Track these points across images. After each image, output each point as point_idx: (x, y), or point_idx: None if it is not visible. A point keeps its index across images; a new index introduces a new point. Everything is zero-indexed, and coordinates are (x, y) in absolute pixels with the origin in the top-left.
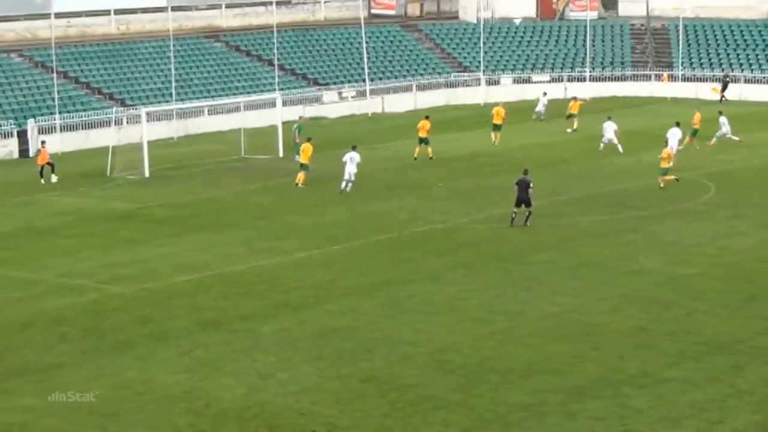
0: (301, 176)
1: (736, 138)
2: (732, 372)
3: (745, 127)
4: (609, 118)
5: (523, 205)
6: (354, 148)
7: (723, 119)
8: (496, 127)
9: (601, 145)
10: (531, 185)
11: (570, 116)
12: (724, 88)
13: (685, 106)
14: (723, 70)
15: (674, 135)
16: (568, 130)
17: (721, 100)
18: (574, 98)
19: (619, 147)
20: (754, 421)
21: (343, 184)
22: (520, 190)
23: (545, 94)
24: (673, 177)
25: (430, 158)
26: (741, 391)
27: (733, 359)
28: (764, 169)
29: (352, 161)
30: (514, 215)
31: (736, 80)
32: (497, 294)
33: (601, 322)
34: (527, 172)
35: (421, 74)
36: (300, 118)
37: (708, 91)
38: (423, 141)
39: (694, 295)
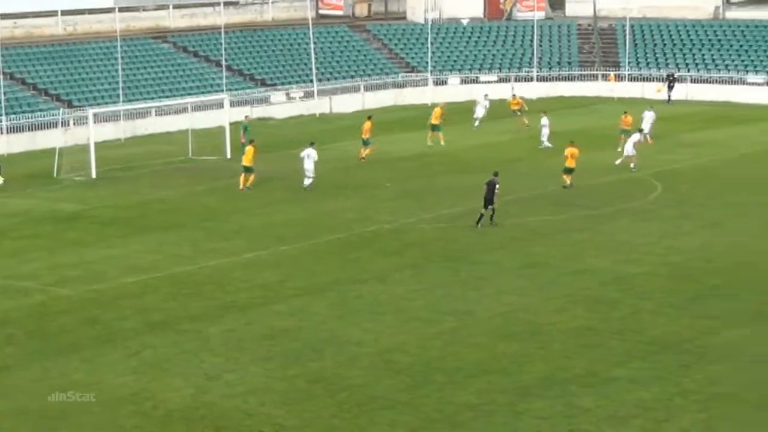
0: (244, 179)
1: (648, 140)
2: (678, 371)
3: (690, 127)
4: (544, 113)
5: (489, 206)
6: (311, 145)
7: (648, 114)
8: (435, 128)
9: (544, 143)
10: (497, 187)
11: (515, 112)
12: (671, 87)
13: (632, 105)
14: (668, 69)
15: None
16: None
17: (668, 100)
18: (514, 96)
19: (548, 143)
20: (699, 420)
21: (306, 180)
22: (487, 191)
23: (486, 96)
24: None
25: (362, 159)
26: (687, 390)
27: (679, 358)
28: (709, 168)
29: (309, 158)
30: (481, 215)
31: (682, 80)
32: (445, 294)
33: (549, 321)
34: (497, 174)
35: (369, 74)
36: (246, 117)
37: (653, 91)
38: (365, 143)
39: (641, 294)
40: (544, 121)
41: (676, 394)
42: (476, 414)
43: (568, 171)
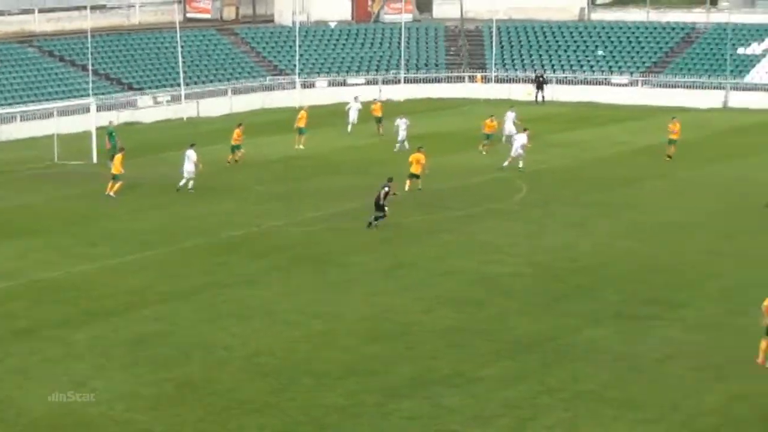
0: (111, 185)
1: (405, 147)
2: (543, 370)
3: (556, 127)
4: (402, 116)
5: (379, 210)
6: (192, 146)
7: (401, 122)
8: (300, 131)
9: (397, 146)
10: (387, 192)
11: (379, 120)
12: (540, 88)
13: (499, 107)
14: (536, 71)
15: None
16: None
17: (536, 101)
18: (375, 101)
19: (404, 144)
20: (564, 418)
21: (182, 181)
22: (378, 195)
23: (357, 98)
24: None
25: (228, 162)
26: (552, 388)
27: (544, 357)
28: (573, 168)
29: (189, 159)
30: (376, 218)
31: (548, 81)
32: (313, 297)
33: (416, 322)
34: (391, 179)
35: (237, 78)
36: (110, 123)
37: (522, 92)
38: (235, 148)
39: (506, 294)
40: (401, 123)
41: (541, 392)
42: (344, 416)
43: (413, 176)
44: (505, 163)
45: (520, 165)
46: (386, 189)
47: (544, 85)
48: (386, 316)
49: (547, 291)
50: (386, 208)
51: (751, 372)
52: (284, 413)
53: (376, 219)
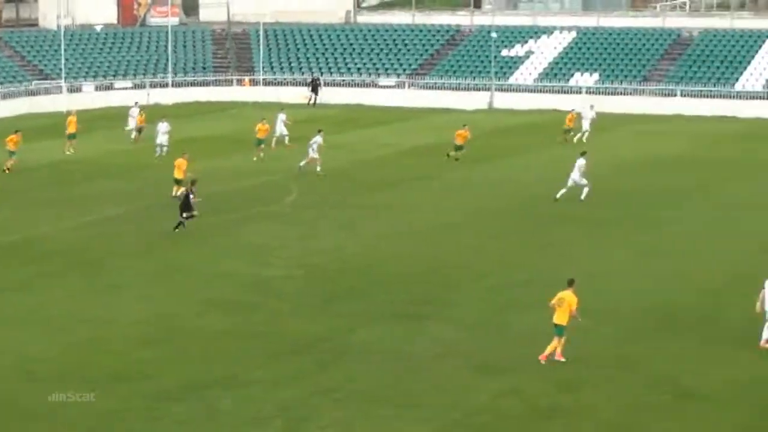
0: None
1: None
2: (317, 371)
3: (326, 130)
4: (163, 119)
5: (184, 214)
6: None
7: (281, 115)
8: (71, 136)
9: (159, 150)
10: (189, 194)
11: (141, 129)
12: (314, 90)
13: (268, 109)
14: (312, 74)
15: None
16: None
17: (310, 103)
18: (137, 105)
19: (163, 149)
20: (338, 418)
21: None
22: (182, 200)
23: (137, 103)
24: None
25: (3, 170)
26: (326, 388)
27: (317, 358)
28: (343, 170)
29: None
30: (179, 222)
31: (322, 84)
32: (85, 302)
33: (188, 326)
34: (194, 181)
35: (1, 83)
36: None
37: (299, 96)
38: (12, 154)
39: (279, 296)
40: (162, 126)
41: (316, 393)
42: (114, 420)
43: (177, 182)
44: (302, 164)
45: (318, 169)
46: (189, 191)
47: (318, 88)
48: (159, 320)
49: (319, 293)
50: (194, 210)
51: (519, 368)
52: (56, 421)
53: (187, 218)
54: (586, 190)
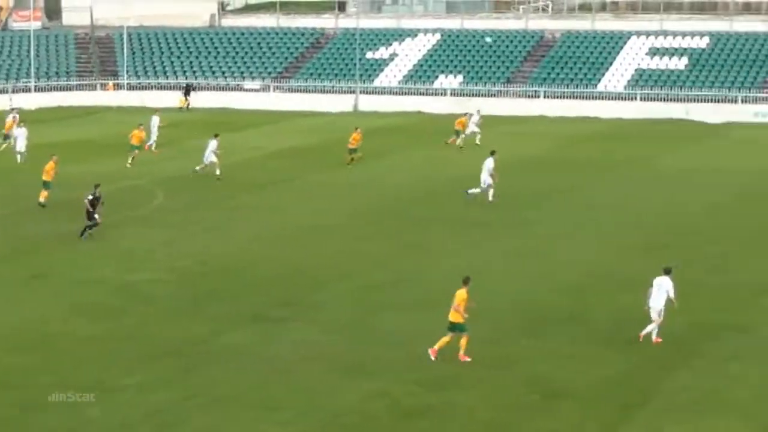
0: None
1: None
2: (184, 375)
3: (194, 134)
4: (22, 124)
5: (92, 219)
6: None
7: (155, 118)
8: None
9: (20, 157)
10: (93, 199)
11: (7, 137)
12: (187, 94)
13: (133, 114)
14: (168, 77)
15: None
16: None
17: (181, 108)
18: (14, 117)
19: (24, 155)
20: (205, 422)
21: None
22: (90, 204)
23: (13, 109)
24: None
25: None
26: (194, 393)
27: (185, 362)
28: (211, 173)
29: None
30: (86, 228)
31: (181, 88)
32: None
33: (56, 332)
34: (98, 185)
35: None
36: None
37: (176, 100)
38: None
39: (147, 301)
40: (19, 132)
41: (184, 398)
42: None
43: (46, 185)
44: (198, 168)
45: (218, 172)
46: (92, 197)
47: (191, 93)
48: (25, 327)
49: (186, 296)
50: (97, 216)
51: (387, 369)
52: None
53: (90, 228)
54: (491, 191)
